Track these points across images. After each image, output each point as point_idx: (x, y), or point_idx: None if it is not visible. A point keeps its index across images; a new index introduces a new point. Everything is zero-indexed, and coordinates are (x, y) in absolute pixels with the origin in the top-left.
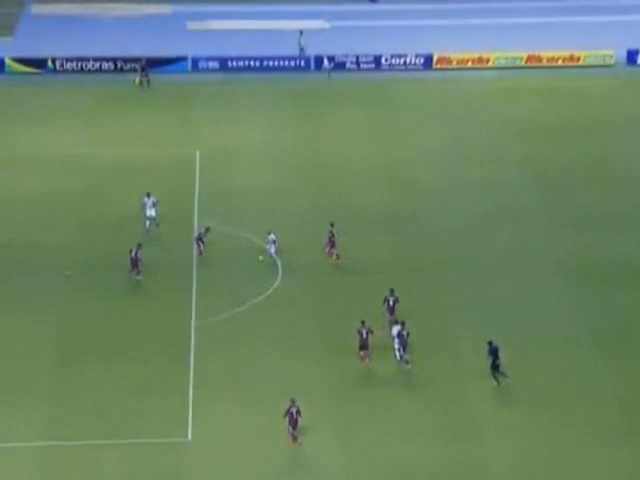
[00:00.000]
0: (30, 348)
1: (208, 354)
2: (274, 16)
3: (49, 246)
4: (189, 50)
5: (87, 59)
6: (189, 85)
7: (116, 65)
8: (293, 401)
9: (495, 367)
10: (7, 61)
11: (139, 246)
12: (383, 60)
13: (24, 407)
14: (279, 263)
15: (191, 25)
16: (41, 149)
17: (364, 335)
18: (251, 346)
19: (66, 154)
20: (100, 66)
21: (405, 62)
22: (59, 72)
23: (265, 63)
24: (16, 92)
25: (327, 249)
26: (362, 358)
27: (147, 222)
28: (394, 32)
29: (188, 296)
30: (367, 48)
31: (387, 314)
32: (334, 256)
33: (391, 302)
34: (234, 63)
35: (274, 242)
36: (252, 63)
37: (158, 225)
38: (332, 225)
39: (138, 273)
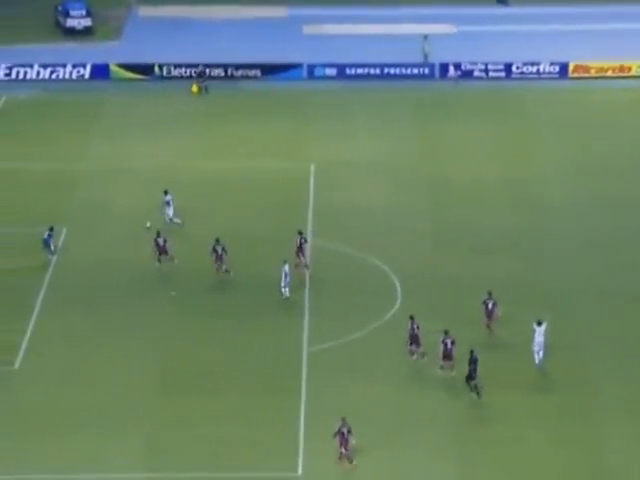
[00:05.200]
0: (132, 374)
1: (321, 383)
2: (396, 19)
3: (153, 265)
4: (305, 56)
5: (196, 65)
6: (304, 94)
7: (227, 72)
8: (344, 420)
9: (470, 377)
10: (112, 67)
11: (158, 234)
12: (514, 68)
13: (125, 436)
14: (398, 285)
15: (307, 29)
16: (145, 161)
17: (448, 345)
18: (368, 375)
19: (172, 167)
20: (210, 73)
21: (538, 70)
22: (166, 79)
23: (386, 71)
24: (121, 100)
25: (297, 259)
26: (442, 367)
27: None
28: (526, 38)
29: (300, 319)
30: (497, 55)
31: (485, 318)
32: (302, 266)
33: (490, 306)
34: (352, 70)
35: (287, 274)
36: (372, 71)
37: (182, 224)
38: (300, 233)
39: (172, 258)
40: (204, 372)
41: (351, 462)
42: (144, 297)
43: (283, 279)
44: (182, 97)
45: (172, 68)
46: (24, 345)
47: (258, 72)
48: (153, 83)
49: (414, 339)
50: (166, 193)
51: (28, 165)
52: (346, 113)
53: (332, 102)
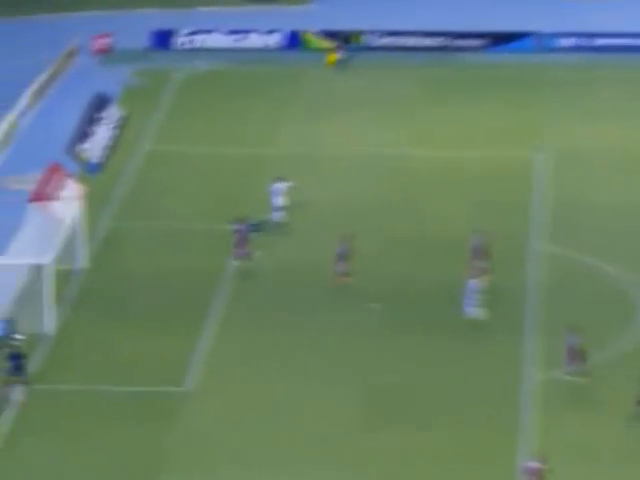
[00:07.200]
0: (326, 401)
1: (552, 417)
2: None
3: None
4: (538, 24)
5: (406, 33)
6: (536, 69)
7: (444, 42)
8: (542, 457)
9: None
10: (304, 35)
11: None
12: None
13: (321, 475)
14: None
15: None
16: (345, 147)
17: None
18: (600, 409)
19: (376, 155)
20: (423, 43)
21: None
22: (370, 50)
23: (638, 42)
24: (315, 74)
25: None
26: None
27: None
28: None
29: (527, 338)
30: None
31: None
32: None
33: None
34: (597, 41)
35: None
36: (621, 41)
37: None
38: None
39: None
40: (410, 401)
41: None
42: (337, 310)
43: (469, 296)
44: (388, 72)
45: (377, 37)
46: (196, 362)
47: (482, 43)
48: (353, 54)
49: (571, 353)
50: (279, 181)
51: (210, 149)
52: (587, 93)
53: (570, 80)
